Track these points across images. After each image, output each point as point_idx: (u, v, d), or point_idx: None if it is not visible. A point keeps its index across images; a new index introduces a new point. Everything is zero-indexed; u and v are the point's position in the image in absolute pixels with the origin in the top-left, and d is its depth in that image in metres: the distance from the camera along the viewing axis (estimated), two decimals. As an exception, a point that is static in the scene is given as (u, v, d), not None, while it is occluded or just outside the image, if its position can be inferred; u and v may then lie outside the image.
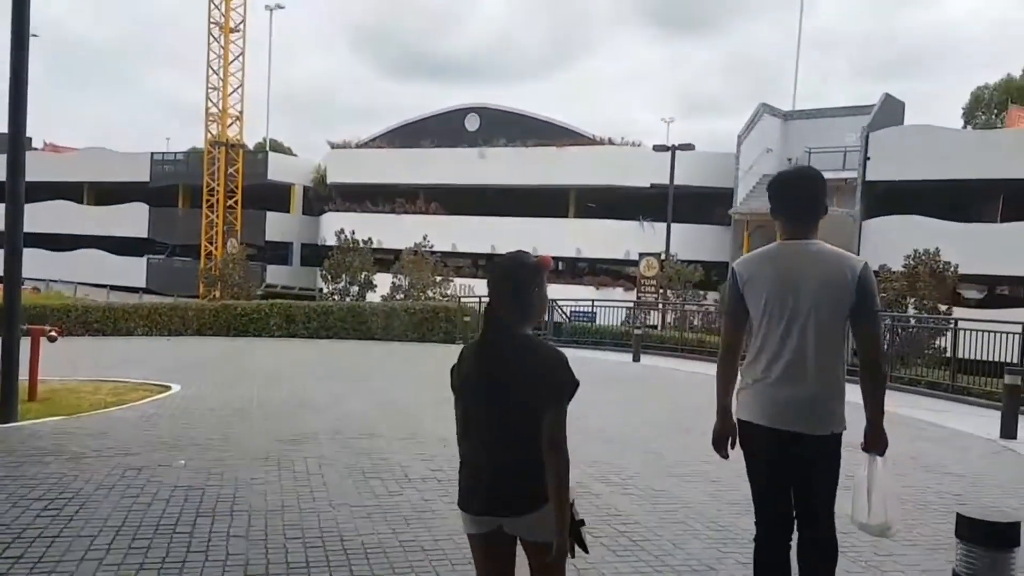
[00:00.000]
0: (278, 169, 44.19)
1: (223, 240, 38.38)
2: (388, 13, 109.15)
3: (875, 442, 3.09)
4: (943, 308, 15.89)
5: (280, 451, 7.23)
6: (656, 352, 19.23)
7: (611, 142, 35.20)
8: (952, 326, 13.04)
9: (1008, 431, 9.37)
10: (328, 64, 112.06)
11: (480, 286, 34.35)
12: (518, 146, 35.63)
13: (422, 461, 6.89)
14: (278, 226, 43.62)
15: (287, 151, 56.45)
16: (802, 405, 3.03)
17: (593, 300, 21.77)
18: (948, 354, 13.30)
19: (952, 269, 15.99)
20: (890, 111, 32.69)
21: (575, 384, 2.45)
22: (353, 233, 27.11)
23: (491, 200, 37.80)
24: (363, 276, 26.29)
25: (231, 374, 13.67)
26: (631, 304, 23.50)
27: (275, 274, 43.38)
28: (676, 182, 28.99)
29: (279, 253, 44.40)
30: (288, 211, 44.94)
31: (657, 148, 28.09)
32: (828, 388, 3.05)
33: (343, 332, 22.83)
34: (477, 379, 2.51)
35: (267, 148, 47.09)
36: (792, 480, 3.12)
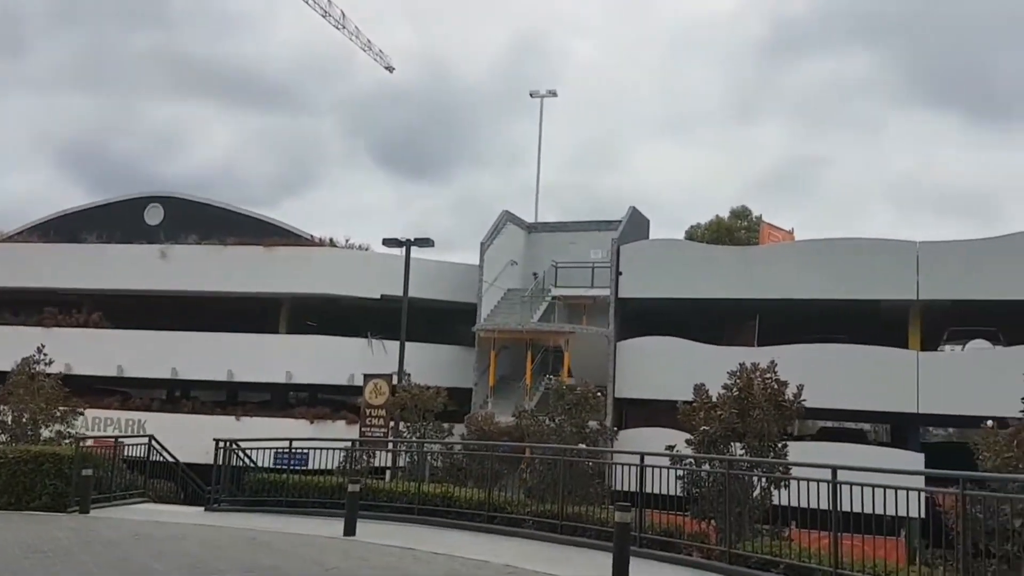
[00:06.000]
0: None
1: None
2: (99, 132, 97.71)
3: None
4: (779, 446, 11.77)
5: None
6: (384, 515, 13.16)
7: (332, 244, 29.40)
8: (831, 479, 8.50)
9: None
10: (33, 183, 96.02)
11: (158, 420, 26.20)
12: (214, 244, 28.60)
13: None
14: None
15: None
16: None
17: (316, 440, 15.36)
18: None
19: (795, 392, 11.91)
20: (637, 226, 30.56)
21: None
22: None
23: (177, 310, 30.06)
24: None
25: None
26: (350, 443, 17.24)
27: None
28: (413, 295, 23.81)
29: None
30: None
31: (387, 242, 22.77)
32: None
33: None
34: None
35: None
36: None
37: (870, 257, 24.22)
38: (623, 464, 11.77)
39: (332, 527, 11.85)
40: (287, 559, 9.74)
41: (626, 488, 11.22)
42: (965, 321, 24.46)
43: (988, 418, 8.92)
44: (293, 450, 15.36)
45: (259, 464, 15.40)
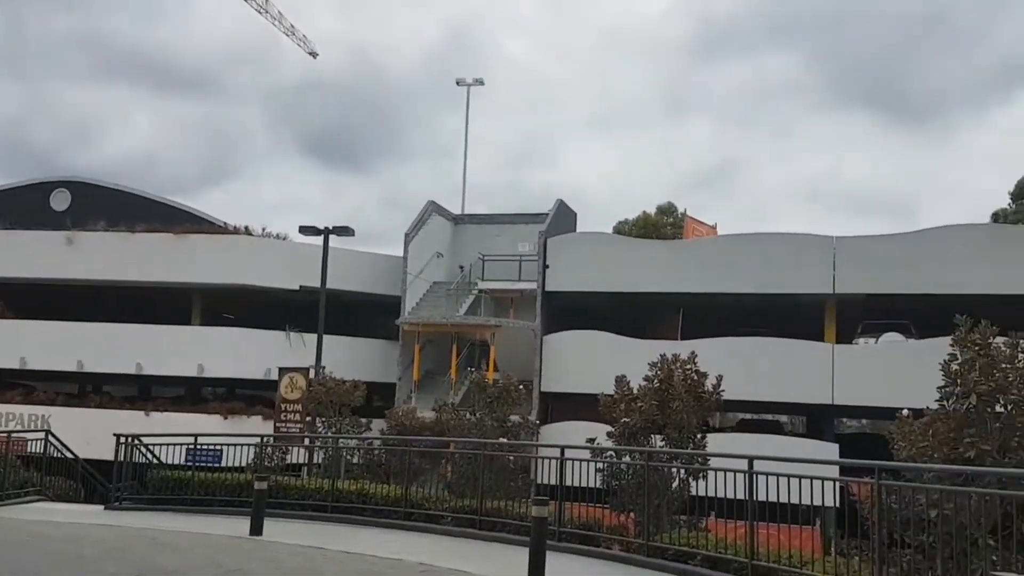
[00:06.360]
0: None
1: None
2: (11, 118, 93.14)
3: None
4: (698, 438, 11.71)
5: None
6: (295, 513, 12.65)
7: (248, 232, 28.36)
8: (748, 469, 8.45)
9: None
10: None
11: (63, 415, 24.89)
12: (122, 231, 27.22)
13: None
14: None
15: None
16: None
17: (224, 436, 14.68)
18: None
19: (714, 383, 11.85)
20: (564, 219, 30.46)
21: None
22: None
23: (84, 300, 28.58)
24: None
25: None
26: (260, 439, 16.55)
27: None
28: (334, 286, 23.16)
29: None
30: None
31: (304, 230, 22.02)
32: None
33: None
34: None
35: None
36: None
37: (788, 251, 24.59)
38: (545, 458, 11.58)
39: (239, 526, 11.29)
40: (186, 560, 9.19)
41: (548, 482, 11.02)
42: (879, 315, 25.13)
43: (901, 409, 8.97)
44: (202, 446, 14.66)
45: (168, 461, 14.66)
